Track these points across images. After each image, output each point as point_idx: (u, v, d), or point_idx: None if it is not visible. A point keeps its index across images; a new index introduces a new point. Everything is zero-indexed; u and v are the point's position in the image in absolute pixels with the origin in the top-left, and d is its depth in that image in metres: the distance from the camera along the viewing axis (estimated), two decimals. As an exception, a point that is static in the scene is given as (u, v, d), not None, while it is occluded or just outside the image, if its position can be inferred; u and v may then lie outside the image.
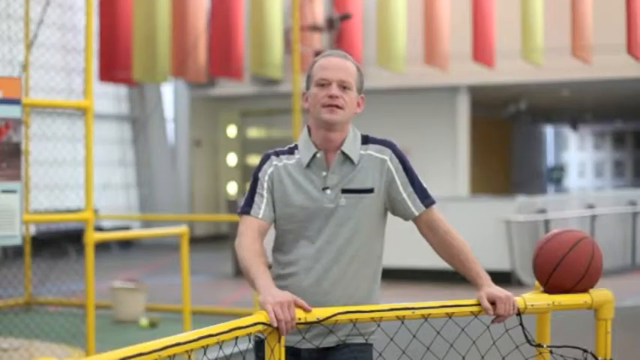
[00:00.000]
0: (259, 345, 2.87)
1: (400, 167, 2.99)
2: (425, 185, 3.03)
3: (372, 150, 2.99)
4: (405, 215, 3.01)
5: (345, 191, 2.93)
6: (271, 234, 3.02)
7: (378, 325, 2.96)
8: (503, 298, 2.82)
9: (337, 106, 2.91)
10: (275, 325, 2.60)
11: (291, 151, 3.02)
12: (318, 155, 2.96)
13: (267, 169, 2.99)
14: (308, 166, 2.96)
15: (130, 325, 8.92)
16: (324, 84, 2.93)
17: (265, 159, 3.02)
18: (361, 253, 2.95)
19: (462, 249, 2.94)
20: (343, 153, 2.95)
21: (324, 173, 2.95)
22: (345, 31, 14.81)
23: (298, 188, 2.95)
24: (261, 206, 2.94)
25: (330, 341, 2.92)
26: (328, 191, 2.93)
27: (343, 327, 2.91)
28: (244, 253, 2.84)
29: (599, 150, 30.36)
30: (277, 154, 3.02)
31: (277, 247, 3.04)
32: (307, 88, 3.02)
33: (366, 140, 3.01)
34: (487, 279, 2.90)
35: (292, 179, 2.96)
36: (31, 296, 9.92)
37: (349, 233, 2.92)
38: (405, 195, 2.98)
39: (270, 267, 2.94)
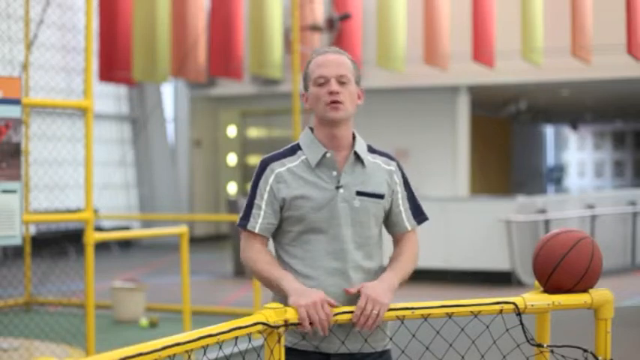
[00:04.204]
0: (290, 351, 2.85)
1: (402, 181, 3.05)
2: (419, 202, 3.08)
3: (380, 160, 3.02)
4: (395, 226, 3.04)
5: (360, 193, 2.94)
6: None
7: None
8: (362, 306, 2.76)
9: (339, 102, 2.91)
10: (308, 327, 2.64)
11: (292, 152, 2.98)
12: (328, 155, 2.94)
13: (268, 178, 2.95)
14: (317, 165, 2.94)
15: (130, 325, 8.92)
16: (322, 82, 2.93)
17: (263, 167, 2.97)
18: (371, 254, 2.97)
19: (398, 258, 2.97)
20: (356, 154, 2.96)
21: (335, 173, 2.94)
22: (345, 31, 14.82)
23: (308, 186, 2.92)
24: (258, 220, 2.93)
25: (355, 346, 2.91)
26: (342, 190, 2.93)
27: (367, 332, 2.87)
28: (258, 267, 2.89)
29: (599, 150, 30.36)
30: (276, 158, 2.98)
31: (287, 246, 2.99)
32: (305, 88, 3.02)
33: (372, 149, 3.04)
34: (389, 278, 2.86)
35: (301, 178, 2.93)
36: (31, 296, 9.91)
37: (361, 232, 2.94)
38: (402, 208, 3.03)
39: None
